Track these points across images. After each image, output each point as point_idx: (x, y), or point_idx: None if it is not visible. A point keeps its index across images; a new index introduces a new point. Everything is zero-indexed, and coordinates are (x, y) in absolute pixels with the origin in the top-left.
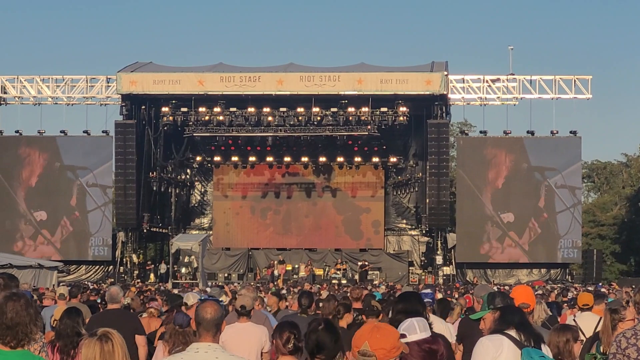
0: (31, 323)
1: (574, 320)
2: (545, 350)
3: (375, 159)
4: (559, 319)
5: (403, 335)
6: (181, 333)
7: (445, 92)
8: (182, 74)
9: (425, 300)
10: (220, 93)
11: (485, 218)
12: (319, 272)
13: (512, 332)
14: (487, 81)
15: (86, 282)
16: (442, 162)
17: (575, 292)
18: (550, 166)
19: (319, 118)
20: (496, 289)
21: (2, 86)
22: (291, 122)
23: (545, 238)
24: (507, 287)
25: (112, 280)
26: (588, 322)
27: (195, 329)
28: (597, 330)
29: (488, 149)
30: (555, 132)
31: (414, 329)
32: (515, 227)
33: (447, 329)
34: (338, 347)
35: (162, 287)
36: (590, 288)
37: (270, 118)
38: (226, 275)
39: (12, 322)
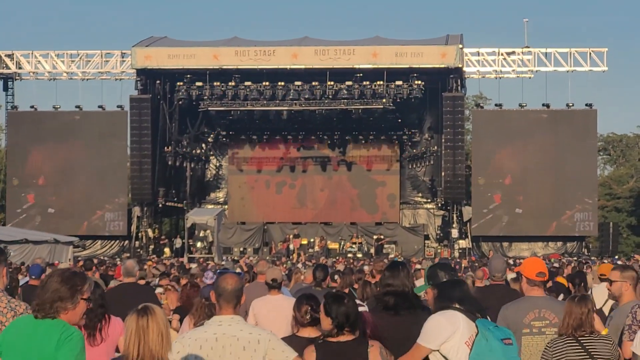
0: (62, 299)
1: (591, 292)
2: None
3: (391, 133)
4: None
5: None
6: (207, 306)
7: (460, 65)
8: (197, 49)
9: None
10: (235, 67)
11: (500, 191)
12: (334, 246)
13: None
14: (502, 54)
15: (103, 257)
16: (457, 135)
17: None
18: (565, 139)
19: (333, 92)
20: (511, 262)
21: (17, 61)
22: (306, 96)
23: (561, 211)
24: (522, 260)
25: (128, 255)
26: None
27: (216, 301)
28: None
29: (503, 122)
30: (570, 104)
31: None
32: (532, 200)
33: None
34: (359, 320)
35: (177, 262)
36: (606, 261)
37: (285, 92)
38: (241, 249)
39: (43, 293)
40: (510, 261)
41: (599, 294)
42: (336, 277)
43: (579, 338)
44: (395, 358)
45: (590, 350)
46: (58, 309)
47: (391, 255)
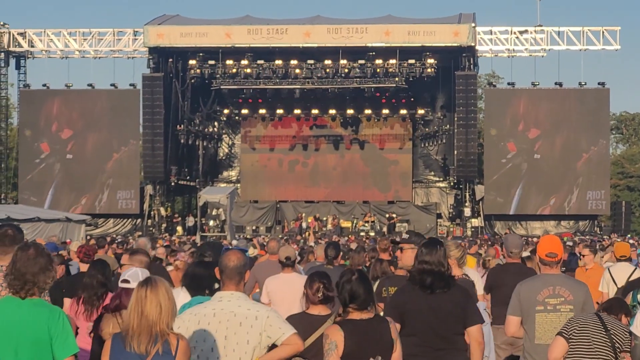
0: (40, 273)
1: (609, 270)
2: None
3: (403, 111)
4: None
5: (126, 281)
6: None
7: (472, 44)
8: (209, 27)
9: None
10: (248, 45)
11: (513, 169)
12: (347, 224)
13: None
14: (514, 33)
15: (115, 235)
16: (469, 113)
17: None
18: (578, 117)
19: (346, 70)
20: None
21: (29, 40)
22: (318, 75)
23: (573, 189)
24: (535, 239)
25: (140, 233)
26: (623, 272)
27: (220, 277)
28: (630, 279)
29: (516, 101)
30: (583, 83)
31: (137, 277)
32: (543, 179)
33: (475, 279)
34: (371, 297)
35: (189, 240)
36: (618, 240)
37: (297, 70)
38: (254, 228)
39: (19, 272)
40: (523, 240)
41: (619, 271)
42: (349, 255)
43: None
44: (429, 333)
45: None
46: (46, 282)
47: (404, 235)
